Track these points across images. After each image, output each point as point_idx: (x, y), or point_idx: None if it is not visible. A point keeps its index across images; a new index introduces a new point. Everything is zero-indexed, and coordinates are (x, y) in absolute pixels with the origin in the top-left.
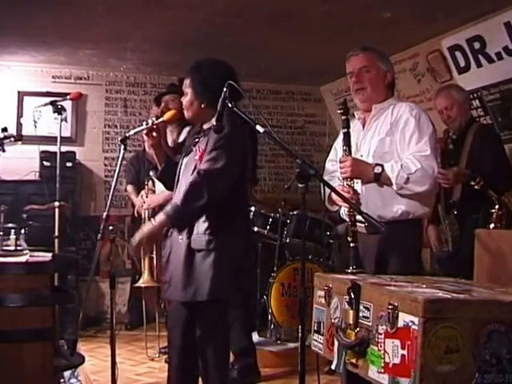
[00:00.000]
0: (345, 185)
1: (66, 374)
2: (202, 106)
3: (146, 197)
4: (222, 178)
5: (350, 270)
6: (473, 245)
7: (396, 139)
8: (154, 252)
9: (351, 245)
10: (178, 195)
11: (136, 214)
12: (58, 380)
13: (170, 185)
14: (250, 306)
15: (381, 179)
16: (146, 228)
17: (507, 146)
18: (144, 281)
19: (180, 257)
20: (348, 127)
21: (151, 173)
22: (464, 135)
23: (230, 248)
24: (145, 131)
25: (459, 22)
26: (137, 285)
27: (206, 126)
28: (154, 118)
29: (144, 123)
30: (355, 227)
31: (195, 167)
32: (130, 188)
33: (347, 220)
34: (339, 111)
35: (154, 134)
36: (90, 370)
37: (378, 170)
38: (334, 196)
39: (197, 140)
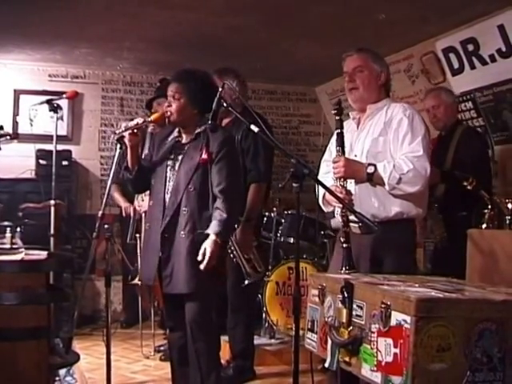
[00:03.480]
0: (338, 185)
1: (62, 371)
2: (194, 111)
3: (142, 200)
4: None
5: (342, 271)
6: (462, 243)
7: (389, 139)
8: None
9: (344, 245)
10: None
11: (124, 214)
12: (53, 378)
13: (139, 187)
14: (252, 311)
15: (373, 179)
16: (208, 249)
17: (499, 147)
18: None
19: (183, 251)
20: (341, 128)
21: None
22: (450, 137)
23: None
24: (128, 131)
25: (453, 25)
26: (133, 282)
27: (198, 130)
28: (141, 118)
29: (131, 122)
30: (348, 228)
31: (198, 165)
32: (113, 187)
33: (340, 220)
34: (333, 112)
35: (138, 133)
36: (85, 368)
37: (370, 169)
38: (328, 196)
39: (184, 143)
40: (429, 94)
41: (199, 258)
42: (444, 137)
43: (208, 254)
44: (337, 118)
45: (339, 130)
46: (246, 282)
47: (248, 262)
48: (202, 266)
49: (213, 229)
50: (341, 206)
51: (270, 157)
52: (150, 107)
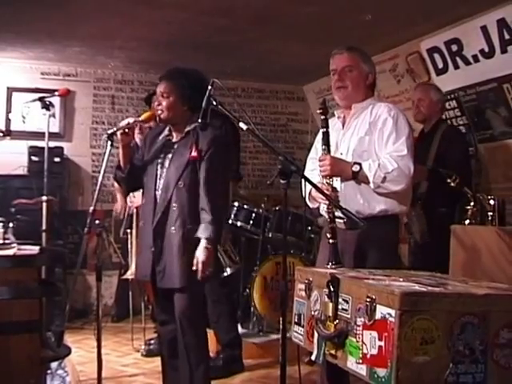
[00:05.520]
0: (324, 183)
1: (53, 365)
2: (184, 108)
3: (134, 197)
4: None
5: (329, 266)
6: (444, 238)
7: (374, 138)
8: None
9: (330, 241)
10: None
11: (115, 212)
12: (44, 371)
13: (132, 185)
14: (234, 301)
15: (359, 177)
16: (201, 258)
17: (482, 145)
18: (132, 272)
19: (174, 246)
20: (327, 127)
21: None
22: (433, 134)
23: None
24: (121, 130)
25: (438, 25)
26: (125, 277)
27: (188, 128)
28: (132, 118)
29: (122, 122)
30: (334, 224)
31: (188, 163)
32: (116, 185)
33: (326, 217)
34: (319, 111)
35: (130, 133)
36: (76, 362)
37: (356, 168)
38: (314, 193)
39: (174, 141)
40: (418, 87)
41: (194, 267)
42: (426, 134)
43: (200, 265)
44: (322, 117)
45: (325, 129)
46: (226, 273)
47: (225, 253)
48: (198, 277)
49: (203, 233)
50: (327, 202)
51: (238, 154)
52: (149, 102)
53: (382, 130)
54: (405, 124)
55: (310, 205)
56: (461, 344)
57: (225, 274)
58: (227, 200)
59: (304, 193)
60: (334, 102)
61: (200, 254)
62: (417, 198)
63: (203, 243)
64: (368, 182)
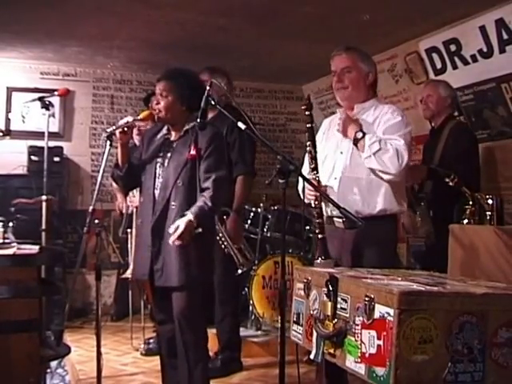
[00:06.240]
0: (313, 178)
1: (53, 364)
2: (183, 108)
3: (134, 196)
4: (226, 184)
5: (318, 261)
6: (447, 239)
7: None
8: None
9: (318, 236)
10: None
11: (117, 210)
12: (44, 370)
13: (129, 184)
14: (238, 302)
15: (358, 144)
16: (181, 225)
17: (481, 145)
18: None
19: (172, 245)
20: (312, 122)
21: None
22: (441, 131)
23: (212, 235)
24: (120, 129)
25: (436, 25)
26: (124, 276)
27: (186, 127)
28: (130, 117)
29: (121, 121)
30: (321, 219)
31: (186, 161)
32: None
33: (314, 212)
34: (303, 107)
35: (129, 132)
36: (76, 361)
37: (359, 135)
38: (306, 189)
39: (172, 140)
40: (428, 84)
41: (170, 230)
42: (435, 131)
43: (179, 230)
44: (307, 113)
45: (310, 125)
46: (240, 271)
47: (239, 251)
48: (170, 240)
49: (193, 210)
50: (314, 197)
51: (254, 150)
52: (147, 103)
53: (383, 126)
54: (406, 124)
55: (306, 200)
56: (459, 343)
57: (239, 271)
58: (228, 194)
59: (301, 188)
60: (333, 101)
61: (181, 222)
62: (421, 198)
63: (189, 216)
64: (362, 151)
